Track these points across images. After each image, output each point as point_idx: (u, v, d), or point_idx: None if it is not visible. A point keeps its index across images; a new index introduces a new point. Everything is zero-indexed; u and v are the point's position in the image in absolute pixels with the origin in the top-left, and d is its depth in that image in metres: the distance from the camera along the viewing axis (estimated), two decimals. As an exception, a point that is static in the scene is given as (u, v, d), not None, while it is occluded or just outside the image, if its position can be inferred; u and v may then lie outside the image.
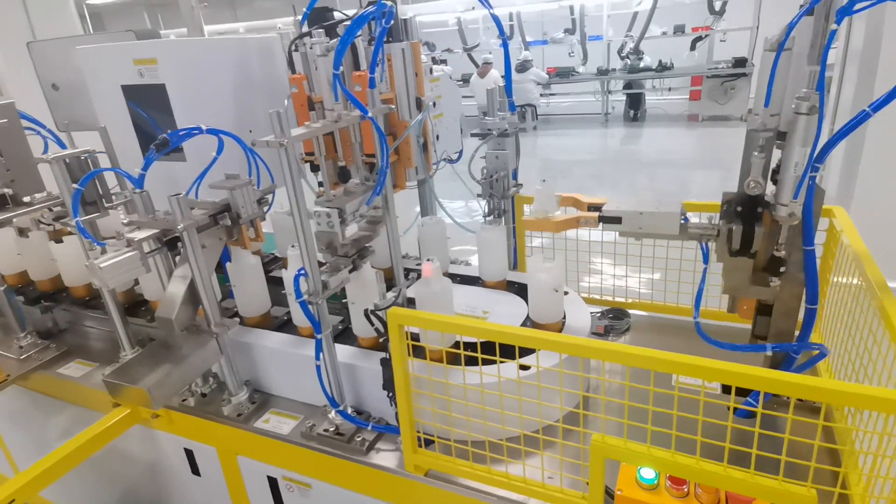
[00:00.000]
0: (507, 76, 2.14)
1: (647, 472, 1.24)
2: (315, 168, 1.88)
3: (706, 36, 11.76)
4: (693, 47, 11.87)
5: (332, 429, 1.68)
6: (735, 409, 1.58)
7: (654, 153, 10.42)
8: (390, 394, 1.54)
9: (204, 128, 1.72)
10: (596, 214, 1.61)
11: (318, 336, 1.57)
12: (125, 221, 1.65)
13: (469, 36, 13.35)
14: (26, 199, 2.32)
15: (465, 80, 12.42)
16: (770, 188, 1.42)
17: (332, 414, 1.70)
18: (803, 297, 1.48)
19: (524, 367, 1.55)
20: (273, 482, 1.86)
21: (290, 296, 1.86)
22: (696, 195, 1.79)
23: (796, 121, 1.27)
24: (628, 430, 1.15)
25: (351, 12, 1.73)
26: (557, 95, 13.96)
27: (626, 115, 13.01)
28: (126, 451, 2.23)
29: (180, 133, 1.70)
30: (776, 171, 1.39)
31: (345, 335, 1.92)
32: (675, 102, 13.42)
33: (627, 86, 12.88)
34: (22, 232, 2.43)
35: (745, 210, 1.45)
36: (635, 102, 12.95)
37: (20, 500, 1.67)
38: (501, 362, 1.27)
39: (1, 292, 2.19)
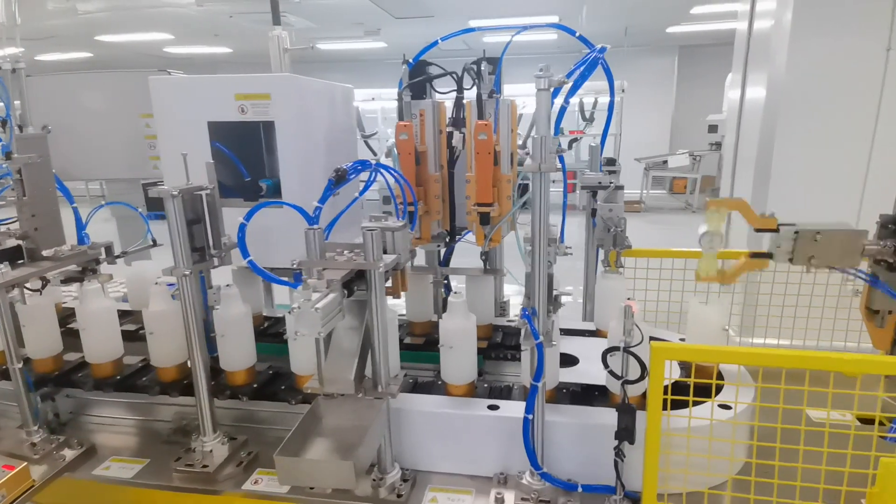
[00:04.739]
0: (603, 136, 2.27)
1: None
2: (486, 221, 1.95)
3: (580, 138, 13.56)
4: (570, 147, 13.58)
5: (533, 496, 1.47)
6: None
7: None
8: (620, 445, 1.41)
9: (372, 162, 1.56)
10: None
11: (536, 384, 1.42)
12: (296, 263, 1.39)
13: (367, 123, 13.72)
14: (46, 252, 1.85)
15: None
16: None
17: (528, 478, 1.50)
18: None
19: (725, 406, 1.55)
20: (431, 579, 1.55)
21: (443, 347, 1.67)
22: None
23: None
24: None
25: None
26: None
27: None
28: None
29: (349, 167, 1.52)
30: None
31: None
32: (555, 193, 14.89)
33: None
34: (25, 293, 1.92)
35: None
36: (522, 191, 14.15)
37: None
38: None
39: (17, 372, 1.67)
